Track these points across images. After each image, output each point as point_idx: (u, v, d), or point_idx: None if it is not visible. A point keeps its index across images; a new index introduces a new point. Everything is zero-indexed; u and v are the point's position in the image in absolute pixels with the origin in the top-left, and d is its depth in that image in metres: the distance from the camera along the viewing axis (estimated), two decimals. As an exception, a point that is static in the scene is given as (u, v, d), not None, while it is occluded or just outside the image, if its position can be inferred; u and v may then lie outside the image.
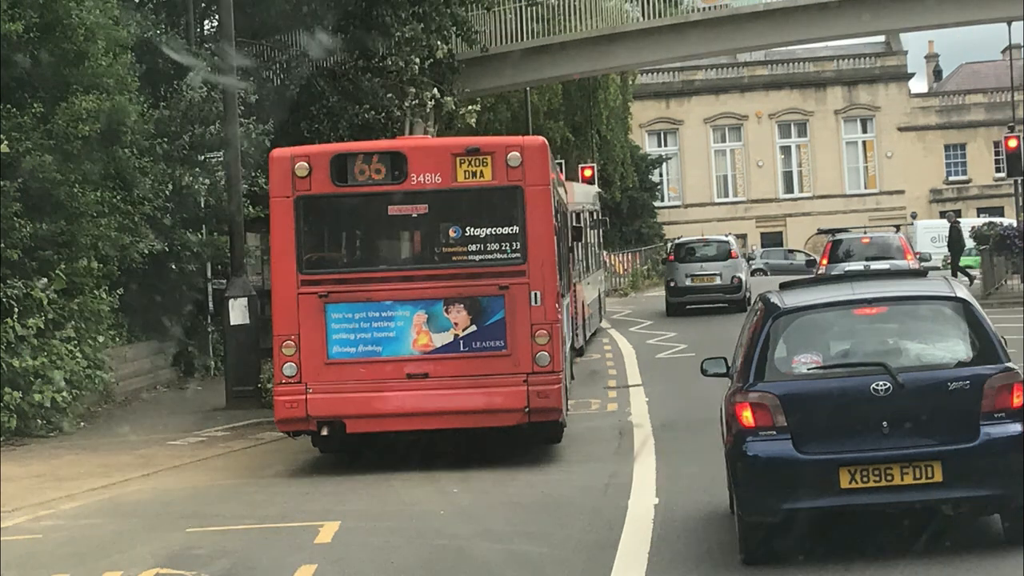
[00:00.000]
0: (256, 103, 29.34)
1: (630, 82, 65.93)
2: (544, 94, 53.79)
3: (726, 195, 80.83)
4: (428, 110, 36.01)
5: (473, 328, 16.05)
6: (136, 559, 12.08)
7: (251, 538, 13.02)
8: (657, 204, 74.06)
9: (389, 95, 34.86)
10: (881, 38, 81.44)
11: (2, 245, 20.94)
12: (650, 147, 79.11)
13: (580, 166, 46.28)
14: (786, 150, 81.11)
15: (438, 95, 35.87)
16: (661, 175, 77.86)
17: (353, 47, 34.64)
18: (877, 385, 10.40)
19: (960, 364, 10.60)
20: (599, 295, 36.17)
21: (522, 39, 41.80)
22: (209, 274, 28.32)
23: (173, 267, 26.66)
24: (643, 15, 43.08)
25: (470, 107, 38.04)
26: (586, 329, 30.57)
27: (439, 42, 35.87)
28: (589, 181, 42.91)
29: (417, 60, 35.03)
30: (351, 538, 12.70)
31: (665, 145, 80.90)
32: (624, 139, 64.66)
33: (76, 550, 12.80)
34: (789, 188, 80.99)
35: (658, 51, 43.22)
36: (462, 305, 16.05)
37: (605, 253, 57.31)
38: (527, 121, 48.74)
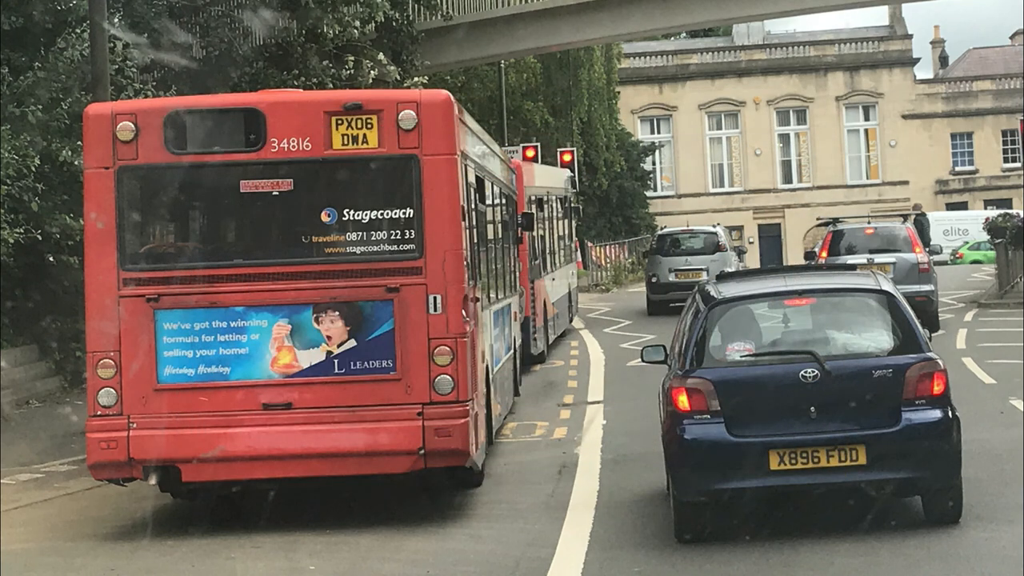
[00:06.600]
0: (160, 68, 26.34)
1: (616, 62, 65.69)
2: (521, 73, 53.14)
3: (722, 185, 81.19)
4: (369, 80, 32.27)
5: (352, 343, 13.29)
6: None
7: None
8: (649, 194, 74.53)
9: (325, 62, 31.71)
10: (885, 21, 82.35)
11: None
12: (642, 134, 79.55)
13: (559, 150, 44.87)
14: (785, 138, 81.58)
15: (383, 60, 32.84)
16: (654, 163, 78.52)
17: (283, 7, 31.60)
18: (806, 372, 11.70)
19: (884, 353, 11.96)
20: (569, 292, 34.70)
21: (494, 6, 39.71)
22: None
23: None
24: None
25: (416, 79, 34.59)
26: (549, 331, 29.04)
27: (383, 0, 32.67)
28: (568, 166, 41.36)
29: (357, 23, 31.85)
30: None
31: (658, 132, 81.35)
32: (610, 123, 64.38)
33: None
34: (788, 178, 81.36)
35: (648, 20, 40.73)
36: (337, 313, 13.27)
37: (590, 245, 57.87)
38: (502, 101, 48.14)
